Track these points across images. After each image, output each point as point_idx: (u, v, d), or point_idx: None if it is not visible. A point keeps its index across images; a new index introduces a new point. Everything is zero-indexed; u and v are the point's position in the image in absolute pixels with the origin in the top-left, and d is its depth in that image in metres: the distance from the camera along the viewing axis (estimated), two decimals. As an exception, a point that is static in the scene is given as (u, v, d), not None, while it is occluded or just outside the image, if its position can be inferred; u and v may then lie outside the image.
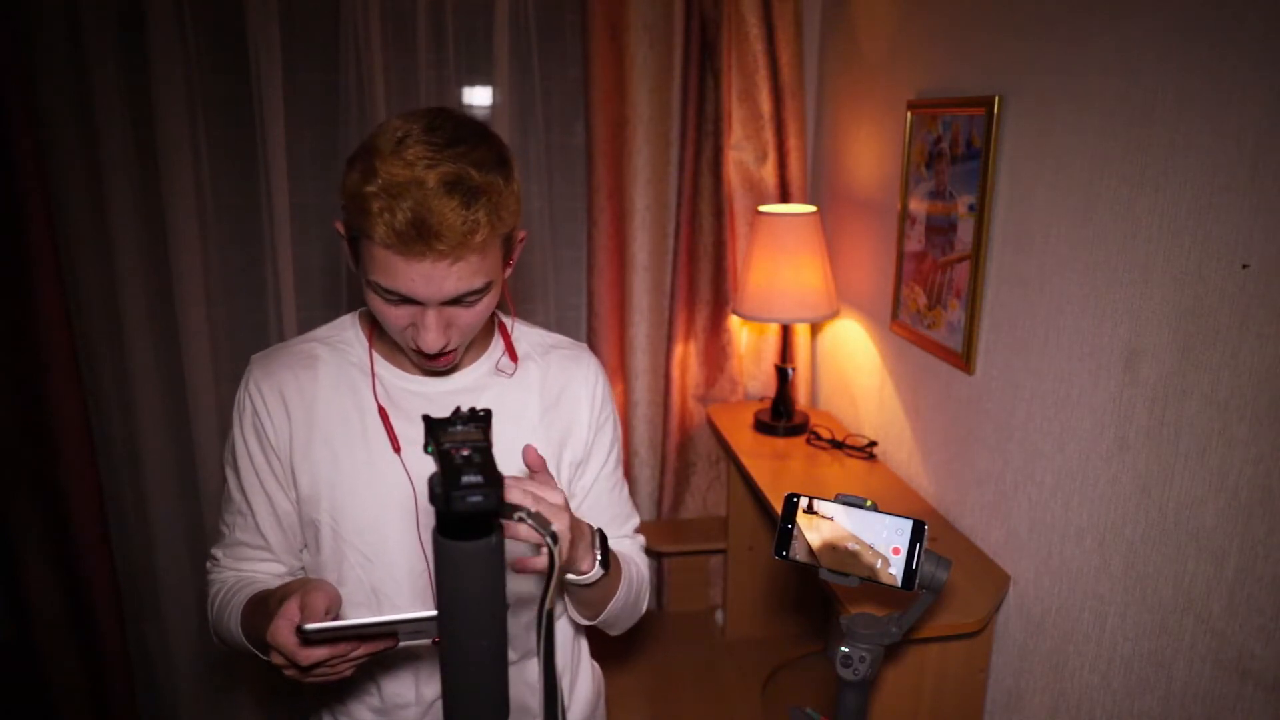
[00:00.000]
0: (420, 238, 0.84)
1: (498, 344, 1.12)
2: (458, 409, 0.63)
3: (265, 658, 0.96)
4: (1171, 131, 1.06)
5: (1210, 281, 1.02)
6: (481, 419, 0.62)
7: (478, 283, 0.91)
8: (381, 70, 1.87)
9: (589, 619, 1.13)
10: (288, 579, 1.09)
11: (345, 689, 1.10)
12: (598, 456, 1.16)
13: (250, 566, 1.08)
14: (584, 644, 1.25)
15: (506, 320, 1.15)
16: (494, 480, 0.55)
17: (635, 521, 1.24)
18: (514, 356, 1.11)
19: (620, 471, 1.21)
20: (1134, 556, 1.16)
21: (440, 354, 0.96)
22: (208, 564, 1.11)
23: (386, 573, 1.04)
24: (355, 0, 1.83)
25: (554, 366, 1.13)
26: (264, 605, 0.96)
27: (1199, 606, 1.06)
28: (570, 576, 0.97)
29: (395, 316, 0.93)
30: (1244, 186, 0.97)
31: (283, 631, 0.83)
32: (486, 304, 0.96)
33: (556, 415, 1.11)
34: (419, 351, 0.96)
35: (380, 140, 0.88)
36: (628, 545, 1.21)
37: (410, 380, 1.06)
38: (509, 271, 1.00)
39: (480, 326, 0.99)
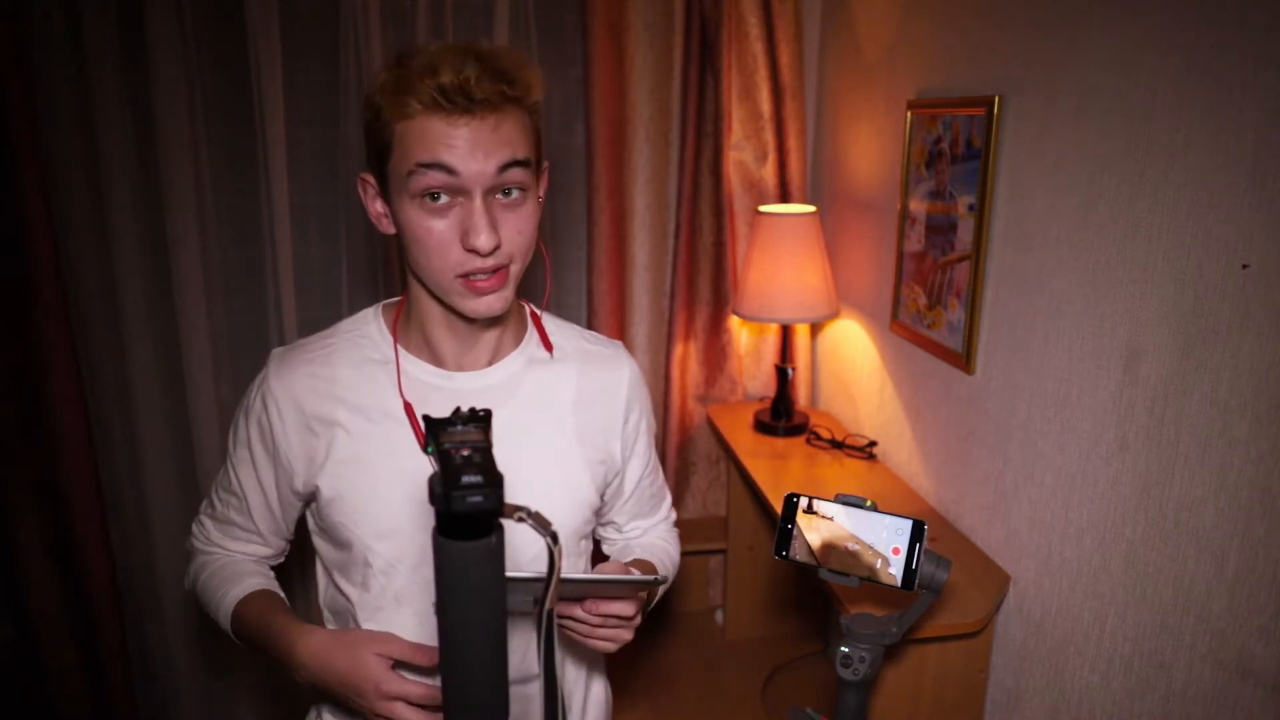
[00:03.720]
0: (463, 92, 0.84)
1: (531, 336, 1.09)
2: (457, 409, 0.63)
3: (239, 643, 1.05)
4: (1171, 131, 1.06)
5: (1210, 281, 1.02)
6: (482, 419, 0.62)
7: (519, 153, 0.89)
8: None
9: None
10: (272, 560, 1.14)
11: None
12: (639, 459, 1.16)
13: (239, 547, 1.10)
14: (599, 660, 1.24)
15: (539, 311, 1.13)
16: (494, 480, 0.55)
17: (669, 499, 1.28)
18: (548, 345, 1.08)
19: (655, 459, 1.22)
20: (1134, 556, 1.16)
21: (491, 269, 0.90)
22: (194, 528, 1.13)
23: (409, 578, 1.02)
24: (355, 0, 1.83)
25: (591, 364, 1.11)
26: (269, 628, 0.99)
27: (1199, 606, 1.06)
28: None
29: (440, 233, 0.88)
30: (1244, 186, 0.97)
31: (383, 672, 0.91)
32: (529, 211, 0.92)
33: (592, 414, 1.09)
34: (471, 280, 0.90)
35: (389, 61, 0.90)
36: (663, 530, 1.25)
37: (436, 374, 1.02)
38: (541, 196, 0.99)
39: (528, 244, 0.94)
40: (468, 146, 0.86)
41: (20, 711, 2.03)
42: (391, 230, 0.96)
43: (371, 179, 0.95)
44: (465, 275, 0.90)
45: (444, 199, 0.88)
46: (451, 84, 0.84)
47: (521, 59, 0.90)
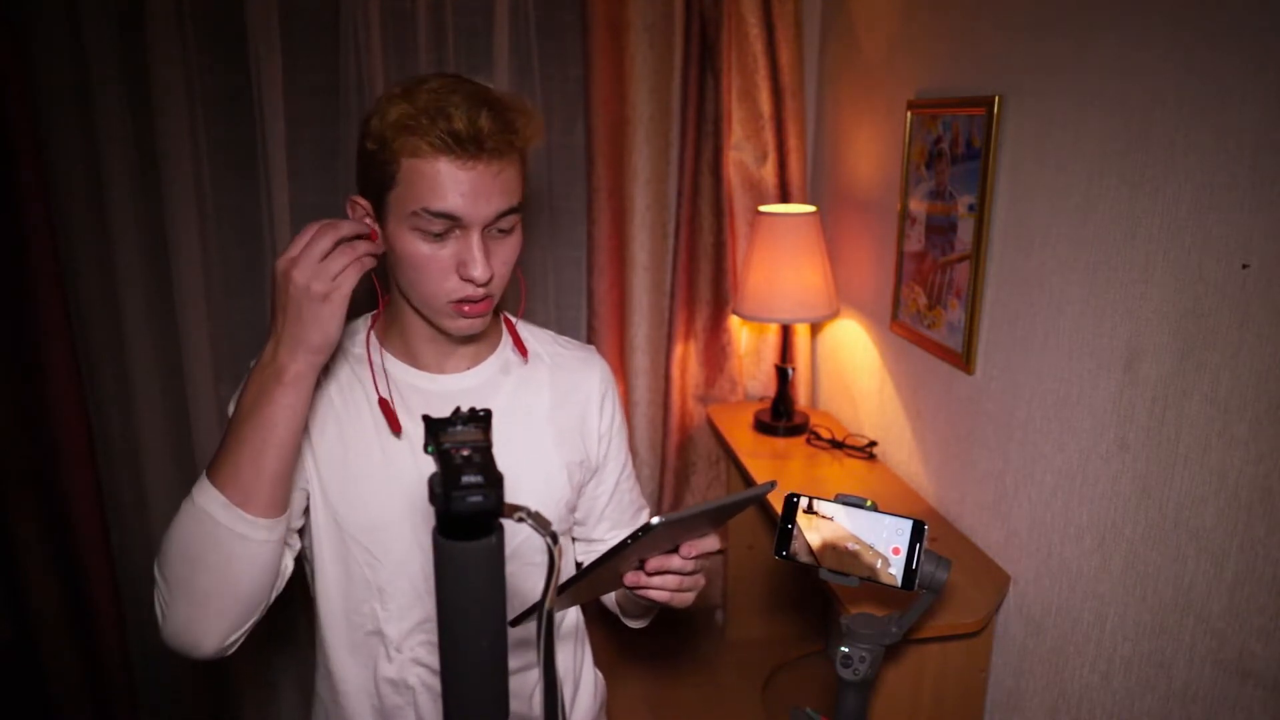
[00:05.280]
0: (474, 140, 0.89)
1: (506, 341, 1.13)
2: (458, 409, 0.63)
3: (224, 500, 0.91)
4: (1171, 131, 1.06)
5: (1210, 281, 1.02)
6: (482, 419, 0.62)
7: (514, 200, 0.95)
8: (381, 70, 1.87)
9: (641, 621, 1.21)
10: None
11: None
12: (615, 461, 1.19)
13: None
14: (587, 652, 1.25)
15: (513, 318, 1.16)
16: (494, 480, 0.55)
17: (648, 510, 1.30)
18: (523, 350, 1.12)
19: (632, 468, 1.25)
20: (1134, 556, 1.16)
21: (481, 298, 0.96)
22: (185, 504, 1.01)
23: (393, 572, 1.04)
24: (355, 0, 1.83)
25: (564, 367, 1.15)
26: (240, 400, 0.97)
27: (1199, 606, 1.06)
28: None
29: (438, 261, 0.93)
30: (1244, 186, 0.97)
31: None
32: (516, 241, 0.99)
33: (566, 416, 1.12)
34: (461, 305, 0.96)
35: (393, 92, 0.93)
36: None
37: (418, 376, 1.06)
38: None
39: (509, 274, 1.00)
40: (472, 192, 0.91)
41: (20, 711, 2.03)
42: (380, 250, 0.99)
43: (364, 202, 0.98)
44: (457, 301, 0.96)
45: (443, 233, 0.93)
46: (465, 131, 0.88)
47: (527, 107, 0.95)
